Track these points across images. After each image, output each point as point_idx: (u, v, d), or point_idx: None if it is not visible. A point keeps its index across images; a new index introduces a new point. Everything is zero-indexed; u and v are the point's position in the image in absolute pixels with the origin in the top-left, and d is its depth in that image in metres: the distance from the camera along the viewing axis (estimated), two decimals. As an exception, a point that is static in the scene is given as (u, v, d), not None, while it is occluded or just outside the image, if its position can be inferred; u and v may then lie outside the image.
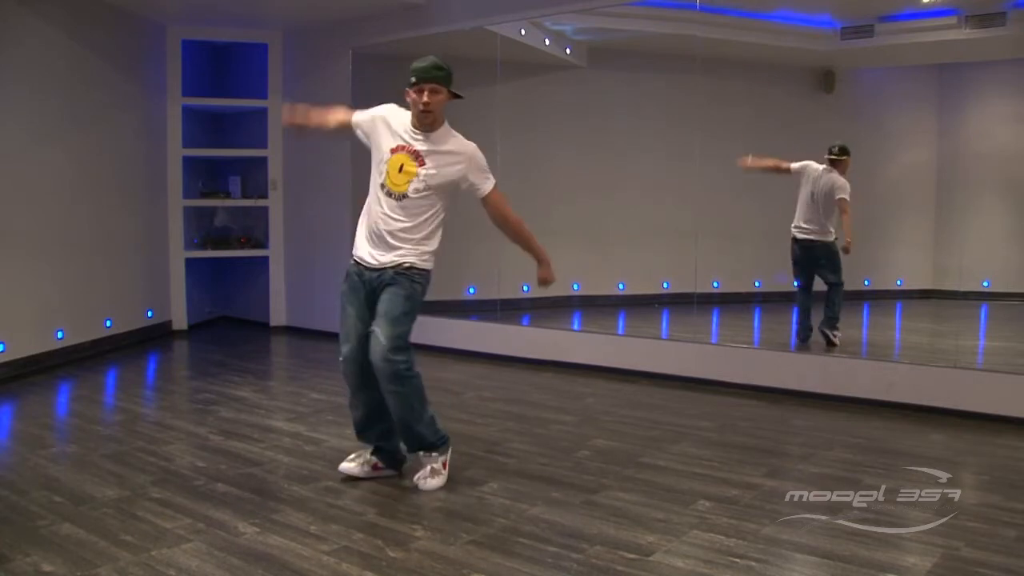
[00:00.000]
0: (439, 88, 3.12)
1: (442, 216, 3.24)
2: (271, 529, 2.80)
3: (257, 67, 7.27)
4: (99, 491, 3.15)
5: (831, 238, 5.44)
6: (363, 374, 3.17)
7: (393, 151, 3.17)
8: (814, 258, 5.51)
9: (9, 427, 4.29)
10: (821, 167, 5.48)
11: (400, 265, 3.16)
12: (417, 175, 3.14)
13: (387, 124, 3.22)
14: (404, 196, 3.15)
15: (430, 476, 3.21)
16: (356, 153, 6.52)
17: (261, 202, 7.29)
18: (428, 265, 3.22)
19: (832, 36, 6.09)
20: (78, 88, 5.78)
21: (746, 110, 6.51)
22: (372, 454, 3.32)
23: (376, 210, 3.18)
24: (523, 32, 6.27)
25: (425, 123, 3.15)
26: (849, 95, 6.42)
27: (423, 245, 3.20)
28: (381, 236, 3.16)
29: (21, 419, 4.42)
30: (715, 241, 5.75)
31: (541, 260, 3.41)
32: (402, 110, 3.26)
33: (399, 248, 3.16)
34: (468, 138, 3.29)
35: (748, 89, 6.54)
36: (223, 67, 7.74)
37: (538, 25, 6.43)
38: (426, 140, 3.17)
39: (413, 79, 3.12)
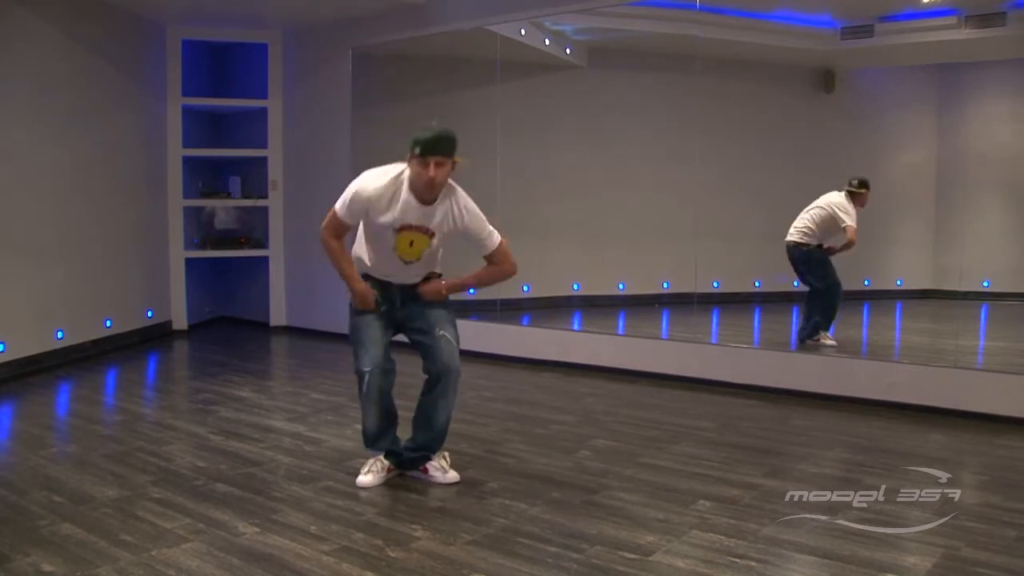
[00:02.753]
0: (445, 160, 2.99)
1: (439, 253, 3.31)
2: (271, 529, 2.80)
3: (257, 67, 7.27)
4: (99, 491, 3.15)
5: (811, 245, 5.41)
6: (385, 385, 3.20)
7: (399, 231, 3.08)
8: (793, 262, 5.49)
9: (9, 427, 4.29)
10: (840, 196, 5.43)
11: (425, 277, 3.27)
12: (430, 245, 3.15)
13: (381, 199, 3.04)
14: (418, 260, 3.18)
15: (448, 468, 3.31)
16: (357, 153, 6.54)
17: (261, 202, 7.29)
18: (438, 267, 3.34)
19: (832, 36, 6.09)
20: (78, 88, 5.78)
21: (746, 110, 6.51)
22: (385, 458, 3.31)
23: (388, 263, 3.18)
24: (523, 32, 6.27)
25: (431, 196, 3.05)
26: (849, 95, 6.42)
27: (434, 267, 3.31)
28: (400, 274, 3.22)
29: (21, 419, 4.42)
30: (715, 241, 5.75)
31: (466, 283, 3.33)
32: (380, 179, 3.05)
33: (420, 276, 3.26)
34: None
35: (748, 89, 6.54)
36: (223, 67, 7.74)
37: (538, 25, 6.43)
38: (431, 211, 3.09)
39: (417, 150, 2.95)
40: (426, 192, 3.03)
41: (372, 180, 3.06)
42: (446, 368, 3.17)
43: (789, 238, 5.49)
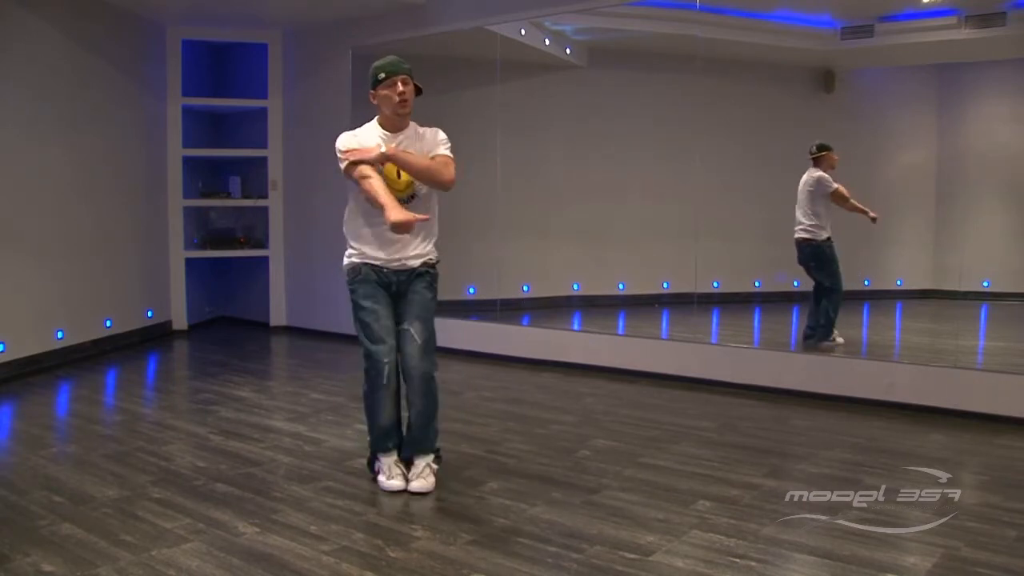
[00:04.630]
0: (409, 79, 3.15)
1: (435, 211, 3.28)
2: (271, 529, 2.80)
3: (257, 67, 7.28)
4: (99, 491, 3.15)
5: (820, 238, 5.41)
6: (396, 373, 3.17)
7: (384, 160, 3.12)
8: (803, 259, 5.48)
9: (9, 427, 4.29)
10: (807, 173, 5.47)
11: (425, 263, 3.21)
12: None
13: (358, 139, 3.19)
14: (413, 197, 3.16)
15: (425, 476, 3.18)
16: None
17: (261, 202, 7.29)
18: (437, 257, 3.28)
19: (832, 36, 6.09)
20: (78, 88, 5.79)
21: (746, 110, 6.52)
22: (400, 458, 3.26)
23: (382, 224, 3.12)
24: (523, 32, 6.28)
25: (403, 115, 3.16)
26: (849, 95, 6.43)
27: (433, 235, 3.26)
28: (397, 239, 3.14)
29: (21, 419, 4.42)
30: (715, 241, 5.75)
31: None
32: (359, 129, 3.24)
33: (418, 246, 3.19)
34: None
35: (748, 89, 6.54)
36: (223, 67, 7.74)
37: (538, 25, 6.43)
38: (407, 138, 3.19)
39: (382, 75, 3.12)
40: (399, 109, 3.13)
41: (346, 132, 3.23)
42: (411, 363, 3.11)
43: (797, 235, 5.48)
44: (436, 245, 3.29)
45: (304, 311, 7.27)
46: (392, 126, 3.20)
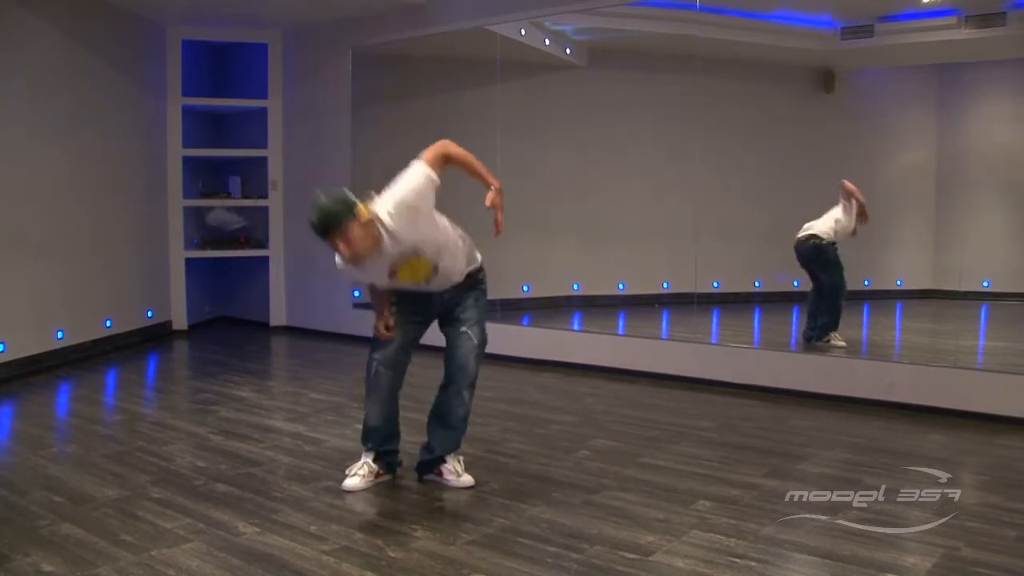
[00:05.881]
0: (345, 229, 2.77)
1: (455, 239, 3.13)
2: (271, 529, 2.80)
3: (257, 67, 7.27)
4: (99, 491, 3.15)
5: (822, 240, 5.38)
6: (396, 378, 3.22)
7: (391, 274, 3.03)
8: (804, 260, 5.46)
9: (9, 427, 4.29)
10: None
11: (470, 274, 3.22)
12: (424, 254, 3.02)
13: (353, 271, 3.04)
14: (436, 270, 3.09)
15: (462, 472, 3.26)
16: (357, 152, 6.53)
17: (261, 202, 7.29)
18: (479, 261, 3.26)
19: (832, 36, 6.09)
20: (78, 88, 5.78)
21: (746, 110, 6.52)
22: (374, 461, 3.27)
23: (417, 289, 3.14)
24: (523, 32, 6.27)
25: (367, 255, 2.88)
26: (849, 95, 6.43)
27: (467, 259, 3.20)
28: (435, 285, 3.16)
29: (21, 419, 4.42)
30: (715, 241, 5.75)
31: (490, 184, 3.11)
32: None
33: (456, 275, 3.17)
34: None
35: (748, 89, 6.54)
36: (223, 67, 7.74)
37: (538, 25, 6.43)
38: (394, 242, 2.91)
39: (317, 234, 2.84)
40: (366, 261, 2.90)
41: (336, 258, 2.97)
42: (460, 367, 3.20)
43: (804, 233, 5.43)
44: (439, 244, 3.08)
45: (304, 311, 7.27)
46: (373, 254, 2.91)
